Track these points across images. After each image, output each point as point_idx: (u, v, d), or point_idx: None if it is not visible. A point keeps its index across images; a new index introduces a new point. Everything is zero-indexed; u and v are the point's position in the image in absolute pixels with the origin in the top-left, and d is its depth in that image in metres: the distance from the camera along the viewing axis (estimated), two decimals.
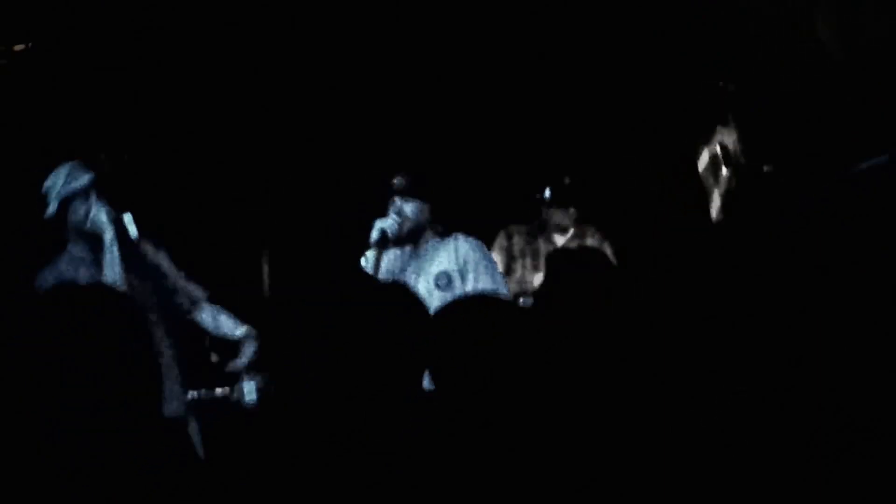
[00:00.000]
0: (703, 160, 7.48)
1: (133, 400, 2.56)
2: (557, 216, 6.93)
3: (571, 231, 6.97)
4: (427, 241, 5.76)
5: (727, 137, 7.39)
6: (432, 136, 7.67)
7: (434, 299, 5.30)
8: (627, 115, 7.78)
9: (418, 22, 7.59)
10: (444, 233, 5.77)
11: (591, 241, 6.94)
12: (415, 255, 5.75)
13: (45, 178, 5.47)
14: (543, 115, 7.81)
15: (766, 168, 7.04)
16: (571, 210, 6.92)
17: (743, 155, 7.28)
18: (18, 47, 6.64)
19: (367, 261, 5.73)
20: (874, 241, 5.31)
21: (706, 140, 7.50)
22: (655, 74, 7.63)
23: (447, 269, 5.61)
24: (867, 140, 6.10)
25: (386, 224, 5.64)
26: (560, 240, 6.98)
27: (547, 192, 6.91)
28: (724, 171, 7.35)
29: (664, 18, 7.46)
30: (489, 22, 7.58)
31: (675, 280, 6.85)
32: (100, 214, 5.41)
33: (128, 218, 5.41)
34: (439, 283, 5.61)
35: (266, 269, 7.89)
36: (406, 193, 5.70)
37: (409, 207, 5.69)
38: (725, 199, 7.39)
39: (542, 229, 7.01)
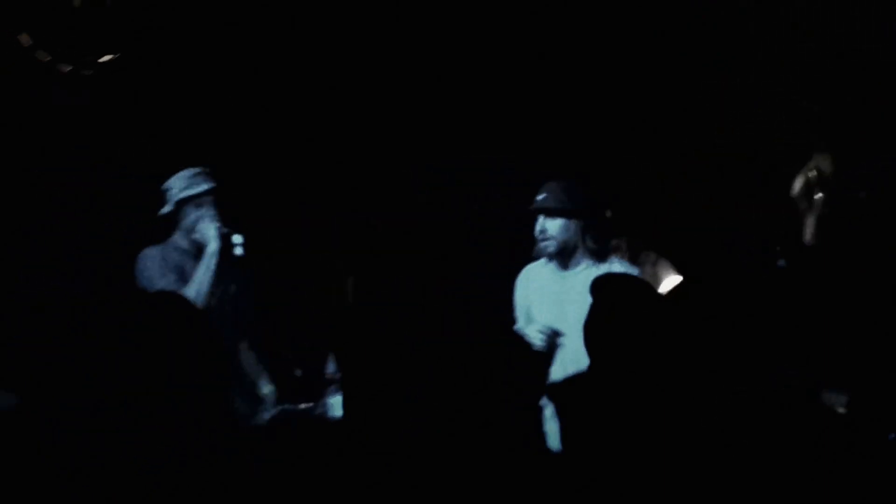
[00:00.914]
0: (797, 184, 7.32)
1: (202, 412, 2.52)
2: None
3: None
4: (579, 263, 5.55)
5: (822, 161, 7.22)
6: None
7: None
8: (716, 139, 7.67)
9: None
10: (600, 254, 5.54)
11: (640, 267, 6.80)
12: (565, 277, 5.55)
13: (161, 180, 5.58)
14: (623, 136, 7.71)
15: (861, 194, 6.89)
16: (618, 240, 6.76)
17: (838, 179, 7.12)
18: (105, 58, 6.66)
19: (521, 280, 5.55)
20: None
21: (800, 164, 7.35)
22: (746, 95, 7.53)
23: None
24: None
25: (540, 248, 5.46)
26: None
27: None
28: (818, 195, 7.19)
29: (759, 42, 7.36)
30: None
31: (769, 304, 6.71)
32: (209, 226, 5.46)
33: (238, 239, 5.44)
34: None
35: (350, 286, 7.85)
36: (551, 212, 5.51)
37: (553, 226, 5.50)
38: (819, 224, 7.22)
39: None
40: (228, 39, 7.11)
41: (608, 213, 6.72)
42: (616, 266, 5.55)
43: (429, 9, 7.35)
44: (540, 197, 5.54)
